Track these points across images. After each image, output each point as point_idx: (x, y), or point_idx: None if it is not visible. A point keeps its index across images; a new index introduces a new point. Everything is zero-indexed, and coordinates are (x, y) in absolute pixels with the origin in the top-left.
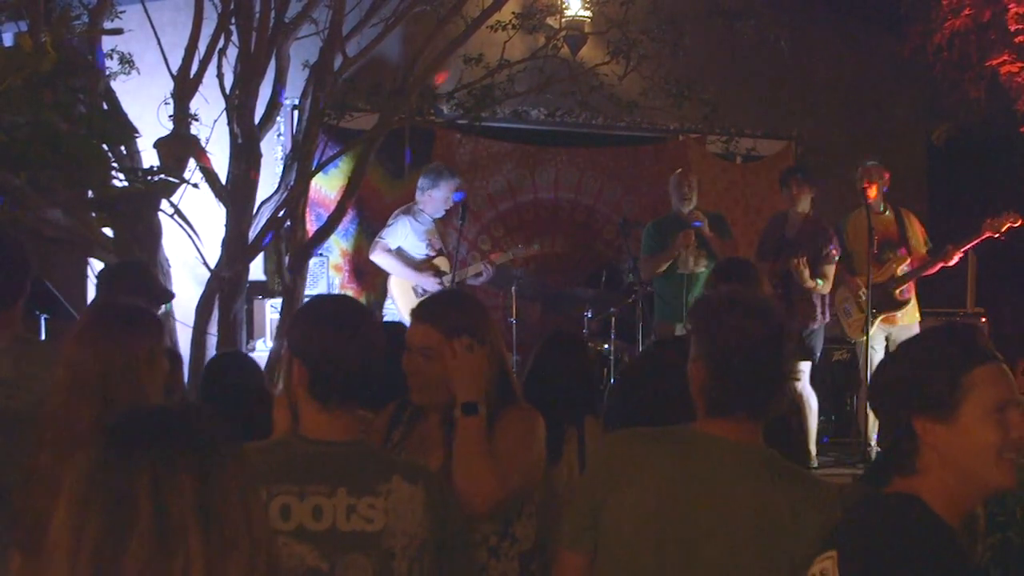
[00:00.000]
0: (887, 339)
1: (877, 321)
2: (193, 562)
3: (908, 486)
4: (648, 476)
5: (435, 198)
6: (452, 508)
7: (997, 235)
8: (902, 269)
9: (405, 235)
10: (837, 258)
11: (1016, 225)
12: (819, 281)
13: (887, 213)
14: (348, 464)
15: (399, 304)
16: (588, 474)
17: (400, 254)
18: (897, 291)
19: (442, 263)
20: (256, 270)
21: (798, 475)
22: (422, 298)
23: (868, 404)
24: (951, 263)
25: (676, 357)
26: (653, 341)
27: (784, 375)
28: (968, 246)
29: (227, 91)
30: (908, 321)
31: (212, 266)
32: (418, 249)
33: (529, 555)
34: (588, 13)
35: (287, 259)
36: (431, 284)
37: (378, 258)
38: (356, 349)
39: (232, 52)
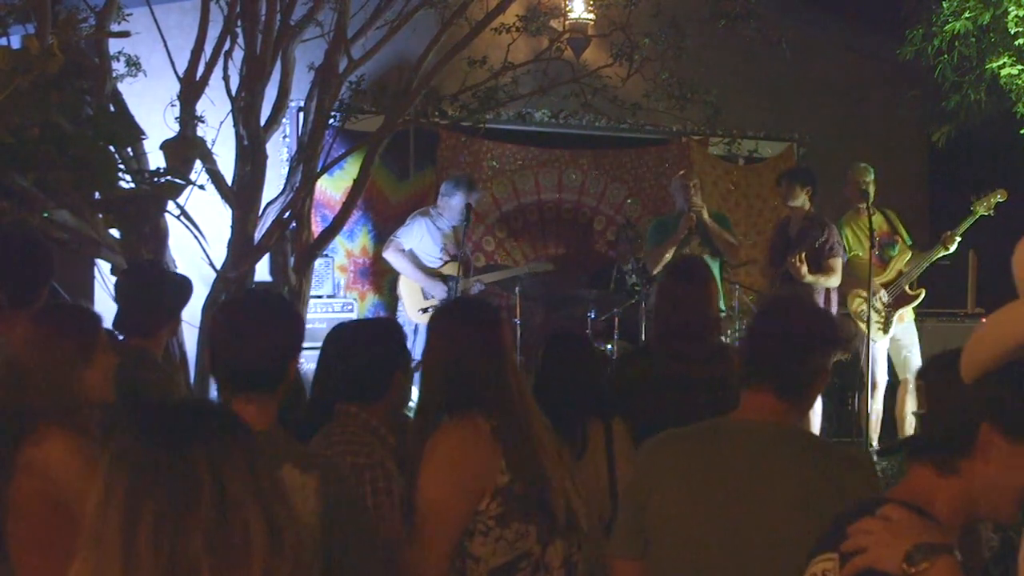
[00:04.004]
0: (891, 338)
1: (895, 318)
2: (254, 533)
3: (927, 488)
4: (684, 472)
5: (451, 206)
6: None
7: (989, 212)
8: (907, 264)
9: (420, 237)
10: (841, 248)
11: (1004, 200)
12: (823, 275)
13: (876, 213)
14: None
15: (407, 304)
16: (631, 482)
17: (412, 256)
18: (907, 285)
19: (451, 269)
20: (262, 271)
21: (829, 447)
22: (430, 300)
23: (920, 377)
24: (951, 249)
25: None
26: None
27: (813, 359)
28: (963, 229)
29: (233, 93)
30: (910, 318)
31: (218, 267)
32: (432, 252)
33: (506, 568)
34: (591, 16)
35: (292, 260)
36: (438, 289)
37: (390, 256)
38: (251, 341)
39: (238, 54)
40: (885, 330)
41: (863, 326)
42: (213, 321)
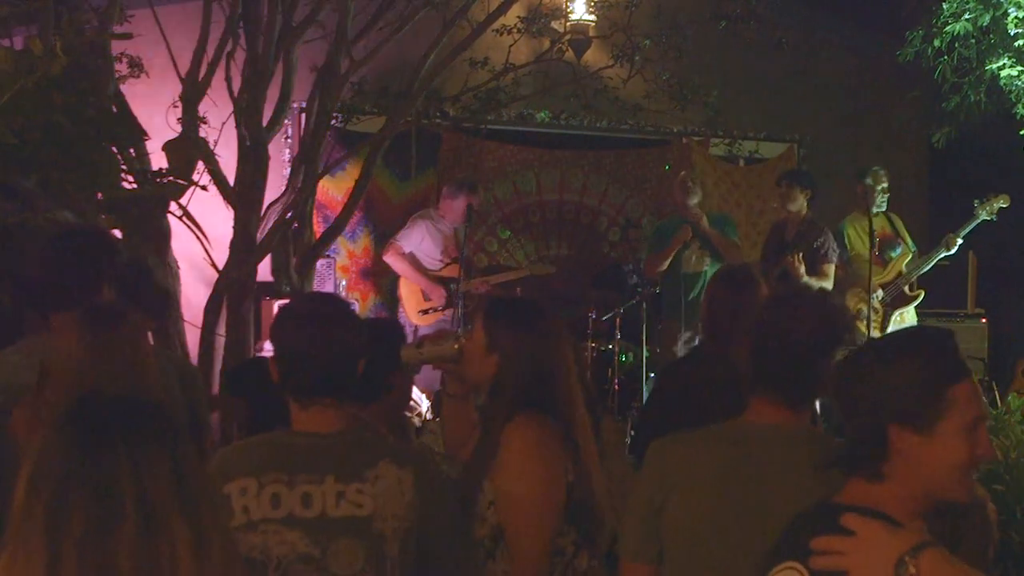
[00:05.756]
0: None
1: (893, 318)
2: (179, 545)
3: (869, 493)
4: (700, 475)
5: (454, 208)
6: (442, 492)
7: (992, 217)
8: (907, 265)
9: (421, 239)
10: (836, 255)
11: (1006, 206)
12: (815, 279)
13: (878, 215)
14: (335, 453)
15: (406, 306)
16: (642, 483)
17: (412, 258)
18: (907, 286)
19: (452, 271)
20: (264, 271)
21: (833, 444)
22: (430, 302)
23: (833, 400)
24: (952, 250)
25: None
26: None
27: (821, 365)
28: (964, 231)
29: (235, 94)
30: (911, 318)
31: (220, 267)
32: (432, 254)
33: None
34: (592, 17)
35: (294, 261)
36: (438, 292)
37: (390, 259)
38: (321, 346)
39: (240, 56)
40: (881, 329)
41: (860, 325)
42: (280, 330)
